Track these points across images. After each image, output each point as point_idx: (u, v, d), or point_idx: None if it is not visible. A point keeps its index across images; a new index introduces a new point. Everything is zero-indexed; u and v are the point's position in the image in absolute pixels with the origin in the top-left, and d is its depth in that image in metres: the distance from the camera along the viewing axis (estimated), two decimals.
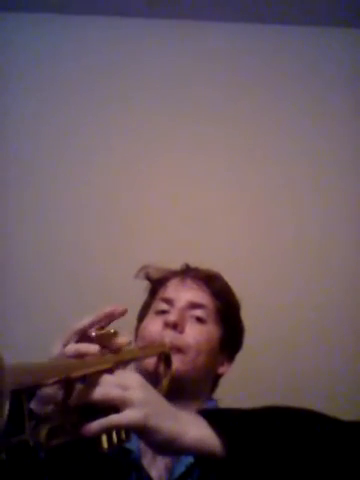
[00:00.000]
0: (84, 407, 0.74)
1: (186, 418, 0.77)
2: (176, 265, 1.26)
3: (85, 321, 0.88)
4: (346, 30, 2.10)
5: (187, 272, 1.22)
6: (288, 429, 0.80)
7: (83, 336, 0.86)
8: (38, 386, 0.77)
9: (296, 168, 2.03)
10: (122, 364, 0.85)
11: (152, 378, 0.97)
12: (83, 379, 0.76)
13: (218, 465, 0.75)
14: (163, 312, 1.14)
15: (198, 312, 1.14)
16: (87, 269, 1.90)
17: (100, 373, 0.76)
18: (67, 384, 0.74)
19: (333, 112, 2.07)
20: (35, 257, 1.92)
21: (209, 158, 2.03)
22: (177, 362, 1.06)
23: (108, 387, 0.74)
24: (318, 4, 2.01)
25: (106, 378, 0.76)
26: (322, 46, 2.11)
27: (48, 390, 0.83)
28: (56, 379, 0.73)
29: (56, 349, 0.84)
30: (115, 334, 0.86)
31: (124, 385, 0.75)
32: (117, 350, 0.86)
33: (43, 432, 0.67)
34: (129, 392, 0.74)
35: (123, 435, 0.77)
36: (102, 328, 0.88)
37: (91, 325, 0.87)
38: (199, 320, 1.13)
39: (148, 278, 1.24)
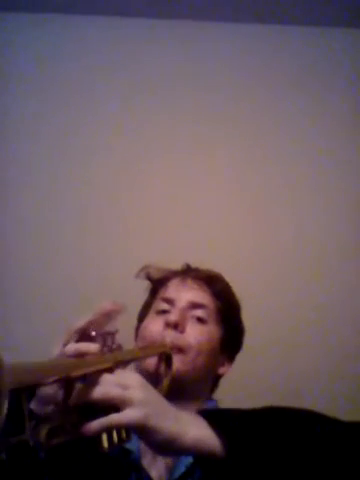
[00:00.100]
0: (84, 407, 0.74)
1: (186, 418, 0.77)
2: (176, 265, 1.26)
3: (84, 320, 0.88)
4: (346, 30, 2.10)
5: (188, 272, 1.23)
6: (288, 430, 0.80)
7: (83, 335, 0.86)
8: (38, 385, 0.77)
9: (296, 168, 2.04)
10: (122, 364, 0.85)
11: (152, 378, 0.98)
12: (83, 379, 0.76)
13: (218, 465, 0.75)
14: (164, 312, 1.15)
15: (199, 312, 1.14)
16: (87, 269, 1.90)
17: (100, 372, 0.76)
18: (67, 383, 0.74)
19: (333, 112, 2.07)
20: (34, 258, 1.92)
21: (209, 158, 2.03)
22: (177, 362, 1.06)
23: (108, 386, 0.74)
24: (318, 4, 2.00)
25: (106, 377, 0.76)
26: (322, 46, 2.11)
27: (48, 390, 0.83)
28: (56, 378, 0.73)
29: (56, 349, 0.84)
30: (116, 333, 0.87)
31: (124, 384, 0.75)
32: (117, 349, 0.86)
33: (43, 432, 0.67)
34: (129, 391, 0.74)
35: (123, 435, 0.77)
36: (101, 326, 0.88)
37: (90, 324, 0.87)
38: (200, 320, 1.13)
39: (149, 278, 1.24)
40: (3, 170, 1.99)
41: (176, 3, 2.02)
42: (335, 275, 1.95)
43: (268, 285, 1.91)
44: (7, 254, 1.92)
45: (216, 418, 0.78)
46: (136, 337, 1.18)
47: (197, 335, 1.11)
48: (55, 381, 0.75)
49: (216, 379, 1.20)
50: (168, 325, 1.10)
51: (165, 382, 1.03)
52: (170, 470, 0.99)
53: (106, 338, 0.86)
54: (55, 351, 0.84)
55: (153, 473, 1.00)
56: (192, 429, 0.75)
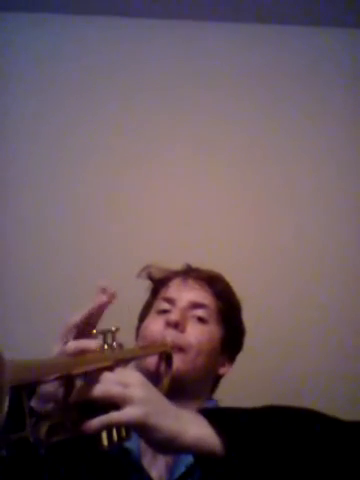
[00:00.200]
0: (84, 404, 0.74)
1: (186, 417, 0.77)
2: (176, 265, 1.26)
3: (80, 315, 0.88)
4: (346, 30, 2.11)
5: (189, 272, 1.23)
6: (288, 429, 0.80)
7: (83, 333, 0.86)
8: (39, 383, 0.77)
9: (296, 168, 2.04)
10: (123, 362, 0.85)
11: (153, 377, 0.98)
12: (84, 376, 0.76)
13: (218, 464, 0.74)
14: (165, 312, 1.15)
15: (199, 312, 1.14)
16: (87, 269, 1.90)
17: (101, 370, 0.76)
18: (67, 381, 0.74)
19: (333, 112, 2.07)
20: (34, 258, 1.92)
21: (209, 158, 2.03)
22: (178, 361, 1.06)
23: (109, 384, 0.74)
24: (318, 4, 2.01)
25: (107, 375, 0.76)
26: (322, 46, 2.11)
27: (49, 388, 0.83)
28: (56, 376, 0.73)
29: (57, 347, 0.84)
30: (116, 331, 0.87)
31: (125, 383, 0.75)
32: (118, 347, 0.86)
33: (43, 429, 0.67)
34: (130, 390, 0.74)
35: (123, 433, 0.77)
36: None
37: (85, 318, 0.88)
38: (200, 320, 1.14)
39: (150, 278, 1.25)
40: (3, 170, 1.99)
41: (176, 3, 2.02)
42: (335, 275, 1.95)
43: (268, 285, 1.91)
44: (7, 254, 1.92)
45: (216, 417, 0.78)
46: (137, 337, 1.18)
47: (198, 335, 1.11)
48: (56, 378, 0.75)
49: (216, 379, 1.20)
50: (169, 324, 1.10)
51: (165, 381, 1.03)
52: (170, 470, 0.99)
53: (106, 336, 0.86)
54: (55, 349, 0.84)
55: (153, 473, 0.99)
56: (192, 428, 0.75)
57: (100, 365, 0.77)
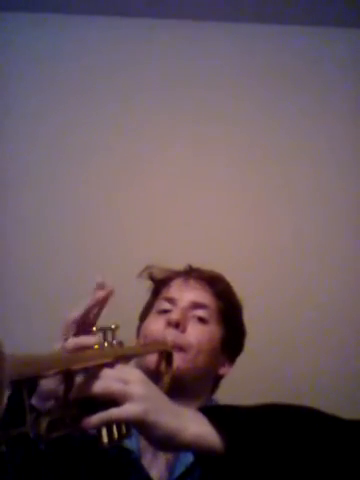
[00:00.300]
0: (84, 401, 0.74)
1: (186, 414, 0.77)
2: (175, 265, 1.26)
3: (77, 312, 0.88)
4: (346, 30, 2.11)
5: (190, 272, 1.23)
6: (288, 426, 0.80)
7: (83, 330, 0.86)
8: (39, 378, 0.77)
9: (296, 168, 2.04)
10: (123, 360, 0.85)
11: (153, 375, 0.97)
12: (84, 373, 0.76)
13: (218, 462, 0.74)
14: (165, 311, 1.15)
15: (200, 312, 1.15)
16: (86, 269, 1.89)
17: (101, 367, 0.76)
18: (68, 377, 0.74)
19: (333, 112, 2.07)
20: (34, 258, 1.92)
21: (209, 158, 2.03)
22: (178, 360, 1.06)
23: (109, 381, 0.75)
24: (318, 4, 2.01)
25: (107, 372, 0.76)
26: (322, 46, 2.11)
27: (49, 385, 0.83)
28: (56, 371, 0.73)
29: (57, 343, 0.84)
30: (116, 328, 0.87)
31: (125, 379, 0.75)
32: (118, 345, 0.86)
33: (43, 424, 0.67)
34: (130, 386, 0.74)
35: (123, 430, 0.77)
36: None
37: (84, 314, 0.88)
38: (201, 320, 1.14)
39: (152, 278, 1.25)
40: (3, 170, 1.99)
41: (176, 3, 2.02)
42: (334, 275, 1.95)
43: (268, 285, 1.91)
44: (7, 254, 1.92)
45: (216, 414, 0.78)
46: (138, 336, 1.18)
47: (198, 335, 1.11)
48: (56, 374, 0.75)
49: (217, 379, 1.20)
50: (169, 324, 1.10)
51: (166, 379, 1.03)
52: (170, 469, 0.99)
53: (106, 333, 0.87)
54: (56, 346, 0.84)
55: (153, 472, 1.00)
56: (192, 425, 0.75)
57: (100, 362, 0.77)
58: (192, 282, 1.19)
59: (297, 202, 2.01)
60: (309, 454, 0.77)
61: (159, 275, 1.24)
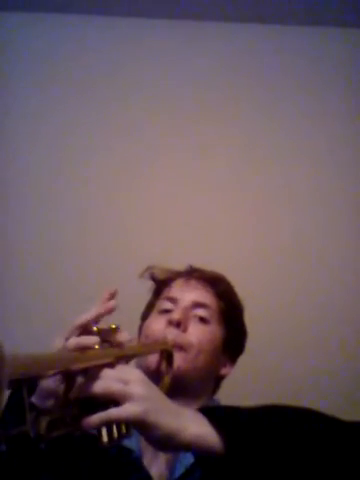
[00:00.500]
0: (85, 400, 0.74)
1: (186, 414, 0.77)
2: (176, 265, 1.26)
3: (86, 316, 0.88)
4: (346, 30, 2.10)
5: (192, 273, 1.23)
6: (287, 427, 0.80)
7: (84, 331, 0.86)
8: (39, 377, 0.77)
9: (296, 168, 2.03)
10: (123, 360, 0.85)
11: (154, 375, 0.98)
12: (84, 373, 0.76)
13: (217, 462, 0.75)
14: (167, 311, 1.15)
15: (201, 312, 1.15)
16: (87, 269, 1.90)
17: (101, 367, 0.77)
18: (68, 377, 0.75)
19: (333, 112, 2.07)
20: (34, 258, 1.92)
21: (209, 158, 2.03)
22: (179, 359, 1.06)
23: (109, 381, 0.75)
24: (318, 4, 2.01)
25: (107, 372, 0.76)
26: (322, 46, 2.11)
27: (49, 384, 0.83)
28: (57, 371, 0.73)
29: (58, 343, 0.84)
30: (116, 329, 0.87)
31: (125, 379, 0.75)
32: (118, 345, 0.86)
33: (43, 423, 0.68)
34: (130, 386, 0.74)
35: (123, 430, 0.77)
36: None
37: (92, 319, 0.88)
38: (202, 320, 1.14)
39: (153, 278, 1.25)
40: (3, 170, 1.99)
41: (176, 3, 2.02)
42: (334, 275, 1.95)
43: (268, 285, 1.91)
44: (7, 254, 1.92)
45: (216, 415, 0.78)
46: (139, 336, 1.18)
47: (199, 334, 1.11)
48: (56, 374, 0.75)
49: (218, 380, 1.20)
50: (170, 323, 1.10)
51: (166, 379, 1.03)
52: (171, 469, 0.99)
53: (107, 334, 0.87)
54: (57, 345, 0.84)
55: (153, 471, 1.00)
56: (192, 425, 0.75)
57: (101, 362, 0.77)
58: (193, 282, 1.19)
59: (297, 202, 2.01)
60: (308, 455, 0.77)
61: (160, 275, 1.24)
